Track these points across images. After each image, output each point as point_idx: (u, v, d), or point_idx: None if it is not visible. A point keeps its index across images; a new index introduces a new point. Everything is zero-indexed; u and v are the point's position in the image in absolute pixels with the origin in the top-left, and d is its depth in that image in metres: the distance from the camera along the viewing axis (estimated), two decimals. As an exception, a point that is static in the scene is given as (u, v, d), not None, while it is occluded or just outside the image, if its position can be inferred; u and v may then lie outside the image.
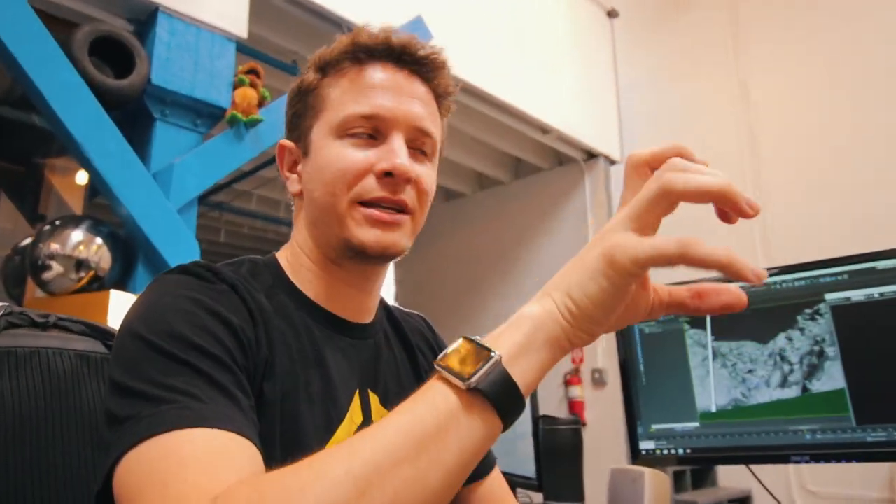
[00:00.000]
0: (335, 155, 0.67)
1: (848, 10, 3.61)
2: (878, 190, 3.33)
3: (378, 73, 0.70)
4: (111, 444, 0.49)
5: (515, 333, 0.47)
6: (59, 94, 1.98)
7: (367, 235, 0.66)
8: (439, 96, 0.75)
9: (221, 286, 0.61)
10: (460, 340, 0.48)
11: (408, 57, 0.71)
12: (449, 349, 0.47)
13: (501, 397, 0.45)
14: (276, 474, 0.44)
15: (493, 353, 0.45)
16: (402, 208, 0.68)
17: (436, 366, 0.47)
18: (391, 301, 0.89)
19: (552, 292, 0.48)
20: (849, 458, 1.09)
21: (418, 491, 0.43)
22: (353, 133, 0.67)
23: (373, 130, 0.68)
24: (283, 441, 0.59)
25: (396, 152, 0.66)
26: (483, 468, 0.84)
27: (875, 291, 1.11)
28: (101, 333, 0.80)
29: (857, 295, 1.13)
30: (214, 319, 0.57)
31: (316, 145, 0.70)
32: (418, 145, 0.70)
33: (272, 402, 0.60)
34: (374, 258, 0.68)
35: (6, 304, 0.75)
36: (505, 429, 0.47)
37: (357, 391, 0.70)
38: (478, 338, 0.48)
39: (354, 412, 0.68)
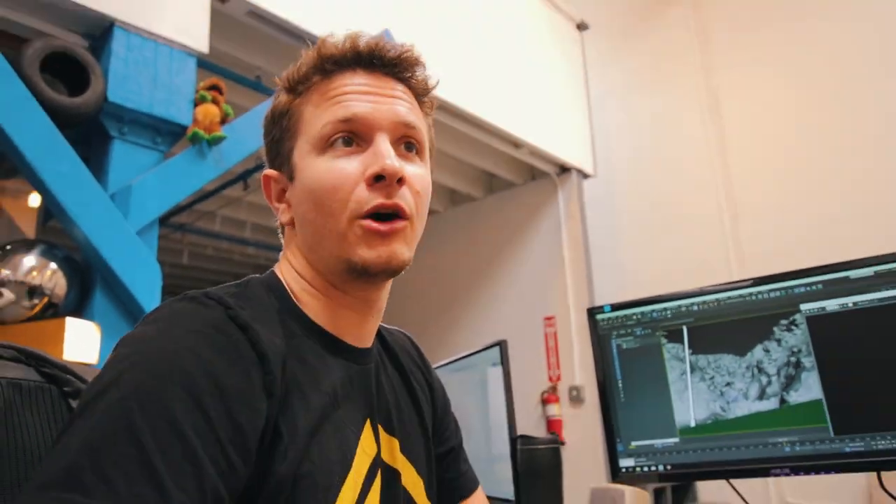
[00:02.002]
0: (321, 171, 0.65)
1: (816, 21, 3.72)
2: (850, 199, 3.42)
3: (349, 80, 0.68)
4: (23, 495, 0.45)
5: None
6: (8, 111, 1.93)
7: (366, 254, 0.64)
8: (418, 94, 0.73)
9: (232, 332, 0.57)
10: None
11: (378, 60, 0.69)
12: None
13: None
14: None
15: None
16: (399, 213, 0.65)
17: None
18: None
19: None
20: (828, 470, 1.11)
21: None
22: (334, 145, 0.65)
23: (354, 137, 0.66)
24: (301, 483, 0.57)
25: (383, 153, 0.64)
26: (465, 489, 0.85)
27: (849, 301, 1.14)
28: (35, 359, 0.77)
29: (831, 304, 1.15)
30: (215, 395, 0.52)
31: (299, 167, 0.68)
32: (406, 142, 0.68)
33: (294, 443, 0.57)
34: (376, 275, 0.66)
35: None
36: None
37: (368, 420, 0.68)
38: None
39: (367, 444, 0.66)
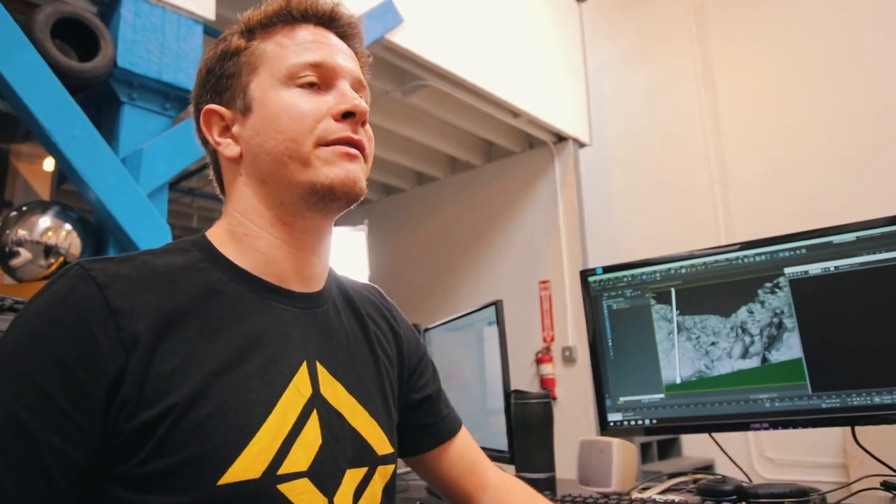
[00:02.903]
0: (289, 102, 0.67)
1: (807, -5, 3.65)
2: (836, 168, 3.41)
3: (312, 31, 0.72)
4: None
5: None
6: (21, 77, 1.91)
7: (334, 173, 0.66)
8: (360, 59, 0.77)
9: (80, 297, 0.57)
10: None
11: (334, 20, 0.74)
12: None
13: None
14: None
15: None
16: (360, 149, 0.69)
17: None
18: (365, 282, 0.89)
19: None
20: (805, 425, 1.12)
21: None
22: (301, 82, 0.68)
23: (320, 79, 0.69)
24: (207, 423, 0.57)
25: (353, 95, 0.69)
26: (444, 432, 0.85)
27: (831, 265, 1.14)
28: None
29: (814, 268, 1.15)
30: (62, 378, 0.54)
31: (260, 99, 0.68)
32: (359, 96, 0.72)
33: (179, 405, 0.56)
34: (339, 198, 0.67)
35: None
36: None
37: (305, 362, 0.67)
38: None
39: (301, 383, 0.65)
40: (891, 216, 1.11)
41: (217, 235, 0.70)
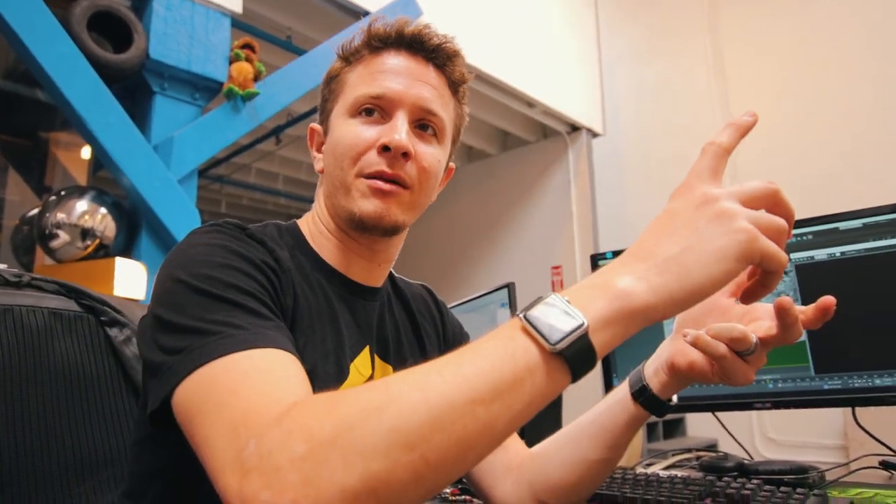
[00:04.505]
0: (345, 132, 0.70)
1: (819, -12, 3.57)
2: (843, 157, 3.35)
3: (391, 59, 0.71)
4: (163, 372, 0.50)
5: (606, 304, 0.45)
6: (59, 68, 1.93)
7: (365, 206, 0.67)
8: (453, 83, 0.75)
9: (249, 240, 0.63)
10: (552, 297, 0.46)
11: (418, 45, 0.72)
12: (539, 305, 0.45)
13: (579, 363, 0.44)
14: (351, 391, 0.43)
15: (582, 322, 0.44)
16: (399, 182, 0.68)
17: (522, 318, 0.45)
18: None
19: (652, 268, 0.46)
20: (807, 405, 1.11)
21: (485, 433, 0.42)
22: (362, 112, 0.69)
23: (378, 110, 0.69)
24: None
25: (397, 129, 0.68)
26: None
27: (837, 251, 1.12)
28: (75, 292, 0.79)
29: (820, 254, 1.13)
30: (247, 263, 0.59)
31: (333, 125, 0.72)
32: (421, 123, 0.71)
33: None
34: (370, 229, 0.69)
35: None
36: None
37: (367, 346, 0.72)
38: (567, 298, 0.45)
39: (363, 365, 0.70)
40: (895, 204, 1.08)
41: (306, 226, 0.75)
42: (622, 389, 0.68)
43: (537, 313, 0.45)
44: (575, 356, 0.44)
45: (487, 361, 0.43)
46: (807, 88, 3.57)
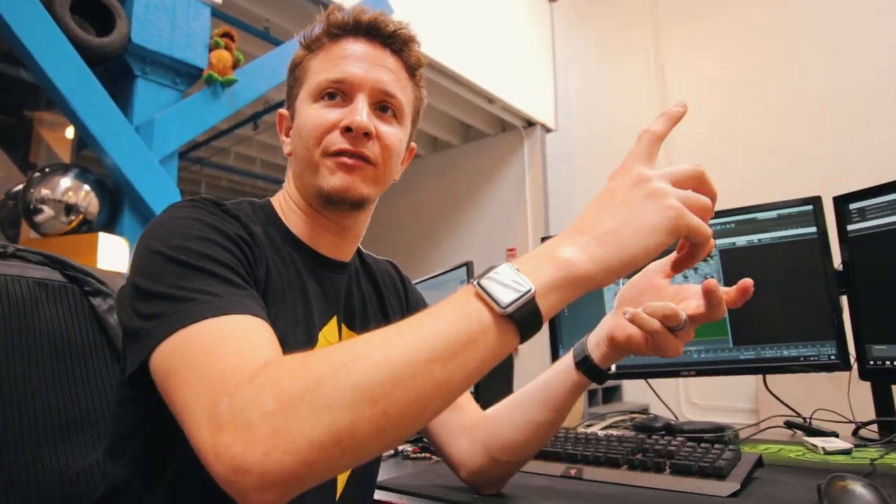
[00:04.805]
0: (310, 116, 0.68)
1: (750, 9, 3.66)
2: (764, 155, 3.46)
3: (350, 46, 0.69)
4: (141, 337, 0.49)
5: (551, 272, 0.46)
6: (43, 49, 1.83)
7: (331, 181, 0.66)
8: (409, 67, 0.74)
9: (224, 215, 0.61)
10: (503, 266, 0.46)
11: (375, 31, 0.70)
12: (491, 273, 0.46)
13: (527, 325, 0.45)
14: (320, 351, 0.42)
15: (530, 288, 0.44)
16: (363, 157, 0.67)
17: (476, 285, 0.45)
18: None
19: (593, 240, 0.47)
20: (726, 373, 1.15)
21: (442, 389, 0.42)
22: (325, 96, 0.68)
23: (341, 94, 0.68)
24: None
25: (358, 111, 0.66)
26: None
27: (755, 238, 1.16)
28: (60, 264, 0.76)
29: (740, 240, 1.17)
30: (222, 236, 0.57)
31: (298, 110, 0.70)
32: (381, 105, 0.69)
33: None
34: (337, 202, 0.67)
35: None
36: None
37: (335, 316, 0.70)
38: (516, 267, 0.46)
39: (330, 333, 0.69)
40: (805, 198, 1.13)
41: (278, 203, 0.73)
42: (567, 359, 0.69)
43: (489, 280, 0.45)
44: (523, 318, 0.44)
45: (444, 324, 0.43)
46: (734, 94, 3.67)
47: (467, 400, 0.80)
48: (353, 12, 0.70)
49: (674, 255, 0.58)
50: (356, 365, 0.40)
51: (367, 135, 0.66)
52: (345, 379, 0.39)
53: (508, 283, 0.45)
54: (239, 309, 0.49)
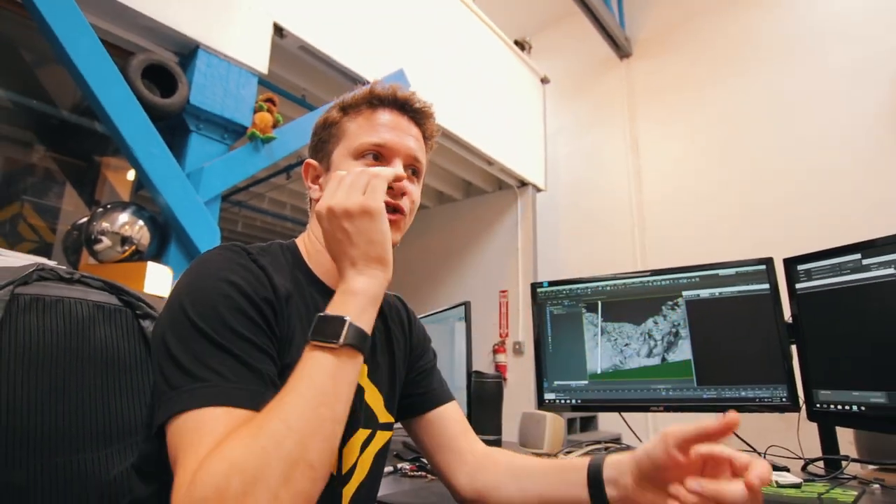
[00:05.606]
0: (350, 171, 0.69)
1: (714, 89, 3.76)
2: (724, 218, 3.49)
3: (386, 116, 0.72)
4: (163, 402, 0.51)
5: (355, 301, 0.55)
6: (116, 107, 1.89)
7: None
8: (427, 137, 0.77)
9: (254, 268, 0.60)
10: (317, 318, 0.53)
11: (408, 107, 0.74)
12: (313, 328, 0.52)
13: (360, 342, 0.53)
14: (238, 440, 0.45)
15: (346, 319, 0.53)
16: (398, 210, 0.70)
17: (311, 340, 0.52)
18: None
19: (373, 267, 0.58)
20: (690, 410, 1.14)
21: (338, 418, 0.49)
22: (365, 156, 0.69)
23: (380, 156, 0.70)
24: None
25: (399, 172, 0.68)
26: (433, 402, 0.80)
27: (717, 291, 1.17)
28: (117, 290, 0.77)
29: (704, 293, 1.18)
30: (247, 302, 0.56)
31: (336, 163, 0.71)
32: (411, 168, 0.73)
33: (291, 367, 0.57)
34: None
35: (40, 260, 0.72)
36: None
37: None
38: (328, 313, 0.54)
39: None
40: (760, 258, 1.14)
41: (303, 244, 0.73)
42: (581, 479, 0.63)
43: (318, 331, 0.52)
44: (356, 340, 0.52)
45: (309, 379, 0.49)
46: (699, 164, 3.73)
47: (464, 437, 0.76)
48: (391, 88, 0.73)
49: (693, 426, 0.53)
50: (270, 444, 0.44)
51: (403, 193, 0.69)
52: (269, 464, 0.43)
53: (332, 325, 0.52)
54: (239, 400, 0.50)
